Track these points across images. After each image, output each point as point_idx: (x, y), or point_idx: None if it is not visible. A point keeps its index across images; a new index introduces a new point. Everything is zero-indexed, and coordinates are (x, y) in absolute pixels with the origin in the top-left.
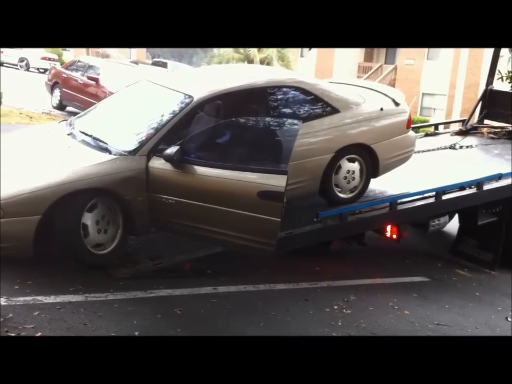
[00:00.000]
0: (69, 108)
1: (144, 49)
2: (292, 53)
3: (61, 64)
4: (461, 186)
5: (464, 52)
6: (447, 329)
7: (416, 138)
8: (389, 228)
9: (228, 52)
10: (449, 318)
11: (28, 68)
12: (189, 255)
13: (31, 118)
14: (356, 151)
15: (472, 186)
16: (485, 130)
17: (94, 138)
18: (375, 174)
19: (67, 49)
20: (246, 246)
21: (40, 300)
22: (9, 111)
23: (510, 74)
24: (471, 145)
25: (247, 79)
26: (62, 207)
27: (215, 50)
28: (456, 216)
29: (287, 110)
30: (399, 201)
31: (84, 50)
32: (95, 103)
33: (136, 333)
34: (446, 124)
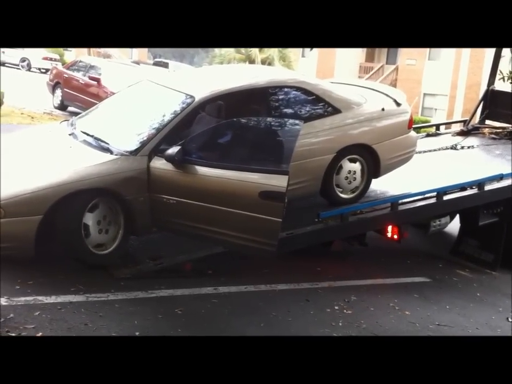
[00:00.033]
0: (70, 108)
1: (145, 50)
2: (293, 53)
3: (63, 64)
4: (462, 187)
5: (466, 52)
6: (448, 330)
7: (417, 138)
8: (390, 228)
9: (229, 52)
10: (450, 319)
11: (29, 68)
12: (190, 255)
13: (32, 118)
14: (357, 151)
15: (474, 187)
16: (486, 130)
17: (96, 138)
18: (377, 174)
19: (68, 49)
20: (247, 246)
21: (41, 300)
22: (11, 111)
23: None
24: (473, 146)
25: (248, 79)
26: (63, 207)
27: (217, 50)
28: (457, 216)
29: (289, 110)
30: (400, 201)
31: (85, 50)
32: (96, 103)
33: (137, 333)
34: (448, 124)
